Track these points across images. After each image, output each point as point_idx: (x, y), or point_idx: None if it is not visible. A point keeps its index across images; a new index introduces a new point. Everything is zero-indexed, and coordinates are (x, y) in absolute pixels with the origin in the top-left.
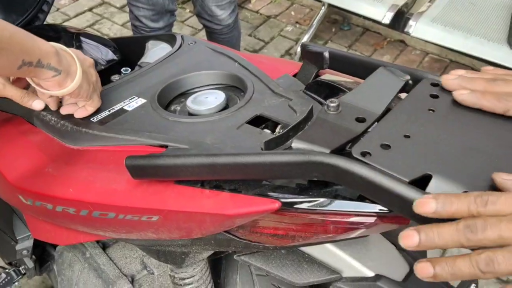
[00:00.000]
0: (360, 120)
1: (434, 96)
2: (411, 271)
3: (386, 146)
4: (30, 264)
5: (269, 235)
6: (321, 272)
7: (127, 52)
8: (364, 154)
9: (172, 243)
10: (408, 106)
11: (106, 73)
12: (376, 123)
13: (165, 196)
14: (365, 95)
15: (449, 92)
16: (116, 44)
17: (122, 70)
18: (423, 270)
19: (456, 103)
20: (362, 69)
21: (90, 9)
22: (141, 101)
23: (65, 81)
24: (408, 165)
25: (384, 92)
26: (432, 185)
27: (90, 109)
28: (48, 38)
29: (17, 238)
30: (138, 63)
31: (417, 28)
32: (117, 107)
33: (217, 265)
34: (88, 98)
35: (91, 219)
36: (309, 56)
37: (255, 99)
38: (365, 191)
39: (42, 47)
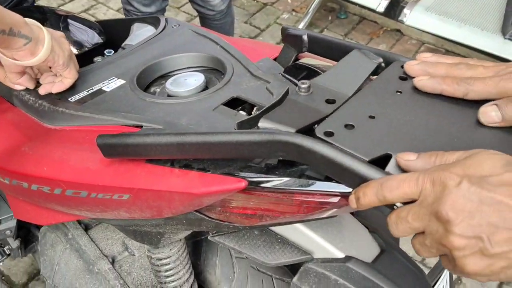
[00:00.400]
0: (330, 101)
1: (403, 78)
2: (381, 253)
3: (350, 126)
4: (14, 244)
5: (238, 214)
6: (293, 253)
7: (113, 34)
8: (327, 133)
9: (147, 222)
10: (377, 88)
11: (90, 54)
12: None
13: (135, 174)
14: (337, 77)
15: None
16: (103, 26)
17: (105, 52)
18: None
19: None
20: (339, 52)
21: None
22: (120, 82)
23: (36, 48)
24: (370, 145)
25: (356, 74)
26: (391, 165)
27: (67, 82)
28: (35, 20)
29: (0, 218)
30: (122, 45)
31: (412, 17)
32: (96, 87)
33: (197, 247)
34: (65, 66)
35: (65, 197)
36: (289, 40)
37: (234, 82)
38: (327, 170)
39: (12, 16)
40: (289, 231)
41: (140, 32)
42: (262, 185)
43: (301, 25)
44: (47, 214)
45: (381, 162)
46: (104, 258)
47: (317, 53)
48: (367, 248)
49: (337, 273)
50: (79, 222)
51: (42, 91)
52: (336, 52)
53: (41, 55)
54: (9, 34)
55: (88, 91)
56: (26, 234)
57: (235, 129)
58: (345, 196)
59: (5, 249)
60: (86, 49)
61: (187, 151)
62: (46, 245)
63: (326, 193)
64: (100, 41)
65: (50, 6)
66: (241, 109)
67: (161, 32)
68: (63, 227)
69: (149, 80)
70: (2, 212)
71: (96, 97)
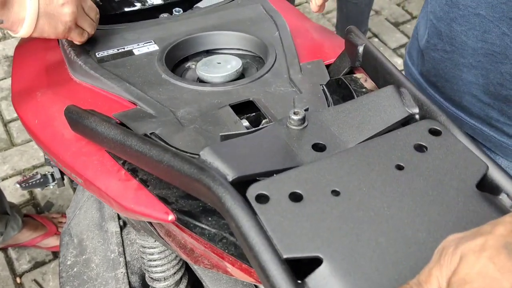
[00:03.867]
0: (318, 147)
1: (420, 149)
2: None
3: (297, 197)
4: (57, 174)
5: (179, 245)
6: None
7: None
8: (260, 198)
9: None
10: (377, 151)
11: (171, 6)
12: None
13: (90, 161)
14: (349, 117)
15: (445, 147)
16: None
17: (174, 10)
18: None
19: (439, 170)
20: (383, 81)
21: None
22: (153, 47)
23: (14, 27)
24: (302, 236)
25: (374, 120)
26: (315, 276)
27: (77, 43)
28: None
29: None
30: (194, 6)
31: None
32: (128, 47)
33: None
34: (62, 36)
35: (48, 154)
36: (347, 46)
37: (264, 80)
38: (241, 244)
39: None
40: None
41: None
42: (189, 227)
43: None
44: None
45: (308, 263)
46: (116, 220)
47: (367, 72)
48: None
49: None
50: None
51: None
52: (381, 78)
53: (21, 33)
54: None
55: (118, 50)
56: None
57: (220, 141)
58: None
59: (53, 174)
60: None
61: (129, 155)
62: (80, 187)
63: (247, 265)
64: None
65: None
66: (253, 115)
67: (231, 1)
68: None
69: (186, 52)
70: None
71: (119, 59)
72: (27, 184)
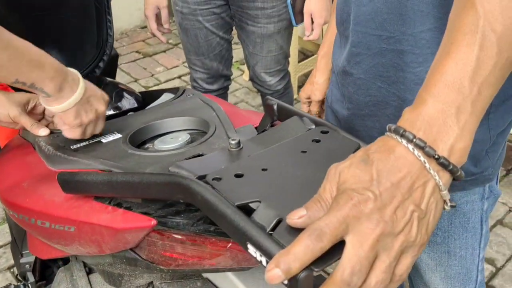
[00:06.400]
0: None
1: (316, 141)
2: None
3: (239, 175)
4: (31, 278)
5: (160, 256)
6: None
7: (150, 100)
8: (215, 179)
9: (102, 261)
10: (288, 145)
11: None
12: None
13: (81, 209)
14: (270, 137)
15: (331, 139)
16: (146, 95)
17: (128, 113)
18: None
19: (328, 150)
20: None
21: (179, 76)
22: (117, 136)
23: (54, 103)
24: (245, 192)
25: (285, 136)
26: (258, 211)
27: (69, 136)
28: None
29: (22, 252)
30: (146, 108)
31: None
32: (97, 139)
33: None
34: (74, 124)
35: (38, 228)
36: (266, 109)
37: (209, 142)
38: (207, 212)
39: (43, 74)
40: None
41: (163, 99)
42: (168, 225)
43: None
44: (46, 248)
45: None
46: None
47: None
48: None
49: None
50: (85, 265)
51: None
52: None
53: (52, 109)
54: (30, 87)
55: (88, 141)
56: (50, 273)
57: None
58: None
59: (29, 283)
60: (119, 110)
61: (115, 188)
62: (55, 282)
63: (218, 239)
64: (135, 106)
65: (102, 76)
66: None
67: (175, 99)
68: (72, 268)
69: (145, 137)
70: (25, 247)
71: (91, 146)
72: None
